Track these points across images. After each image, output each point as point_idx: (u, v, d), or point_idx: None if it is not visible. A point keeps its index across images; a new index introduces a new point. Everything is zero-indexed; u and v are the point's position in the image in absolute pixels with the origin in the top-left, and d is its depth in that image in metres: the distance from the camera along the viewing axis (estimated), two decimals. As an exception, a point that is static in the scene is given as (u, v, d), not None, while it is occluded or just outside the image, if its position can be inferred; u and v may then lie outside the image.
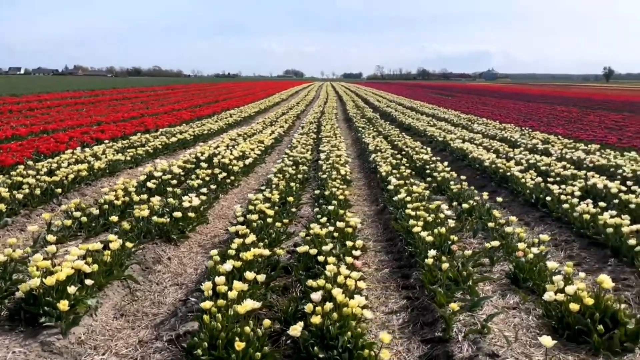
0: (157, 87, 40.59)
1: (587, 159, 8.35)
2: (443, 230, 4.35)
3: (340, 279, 3.12)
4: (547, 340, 2.47)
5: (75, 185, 6.33)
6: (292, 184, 6.31)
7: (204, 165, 7.18)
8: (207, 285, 2.90)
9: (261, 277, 3.31)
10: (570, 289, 3.02)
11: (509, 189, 6.95)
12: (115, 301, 3.55)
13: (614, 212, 4.86)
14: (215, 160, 7.42)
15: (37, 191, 5.47)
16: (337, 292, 2.81)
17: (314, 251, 3.83)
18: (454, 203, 6.09)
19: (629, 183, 6.18)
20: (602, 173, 7.48)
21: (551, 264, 3.51)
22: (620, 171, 7.19)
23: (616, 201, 5.56)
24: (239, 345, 2.41)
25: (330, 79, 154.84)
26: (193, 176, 6.55)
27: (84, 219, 4.66)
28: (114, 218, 4.47)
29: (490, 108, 23.38)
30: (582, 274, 3.45)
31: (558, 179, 6.90)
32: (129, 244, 3.83)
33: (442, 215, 4.97)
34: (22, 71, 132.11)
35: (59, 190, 5.73)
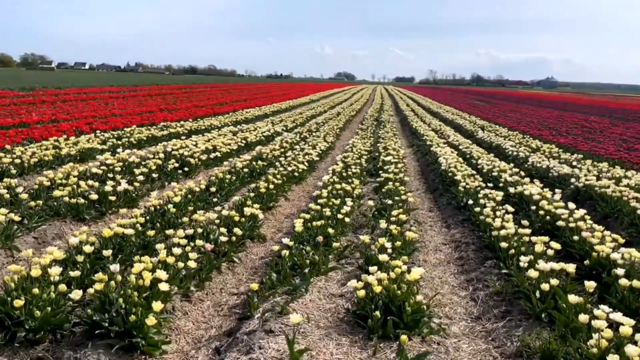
0: (195, 85, 42.14)
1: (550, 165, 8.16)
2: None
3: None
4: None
5: (37, 168, 6.91)
6: (228, 176, 6.66)
7: (161, 156, 7.61)
8: (26, 252, 3.27)
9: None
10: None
11: (452, 193, 6.97)
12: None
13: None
14: (176, 152, 7.84)
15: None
16: (137, 266, 3.10)
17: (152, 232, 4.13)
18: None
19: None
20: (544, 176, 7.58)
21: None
22: (573, 180, 7.08)
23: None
24: (18, 302, 2.75)
25: (381, 83, 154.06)
26: (142, 165, 6.96)
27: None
28: (24, 196, 4.93)
29: (518, 116, 22.77)
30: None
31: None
32: (16, 218, 4.26)
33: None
34: (86, 66, 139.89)
35: (14, 171, 6.32)
